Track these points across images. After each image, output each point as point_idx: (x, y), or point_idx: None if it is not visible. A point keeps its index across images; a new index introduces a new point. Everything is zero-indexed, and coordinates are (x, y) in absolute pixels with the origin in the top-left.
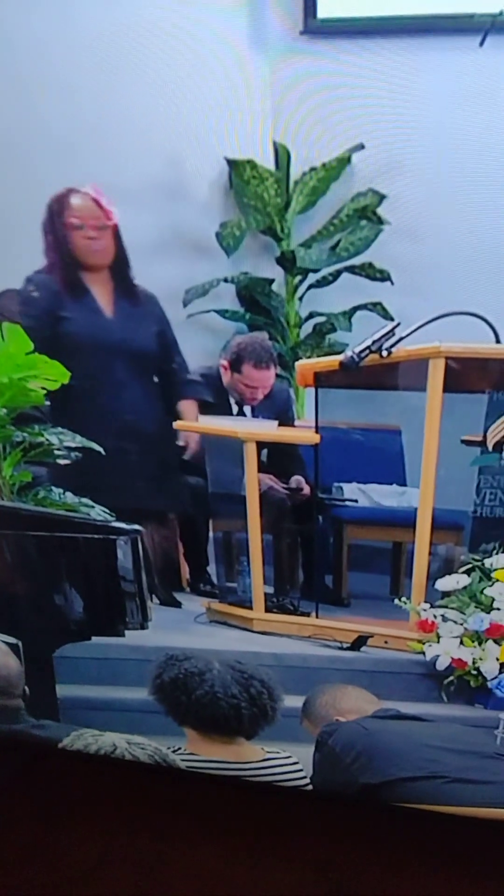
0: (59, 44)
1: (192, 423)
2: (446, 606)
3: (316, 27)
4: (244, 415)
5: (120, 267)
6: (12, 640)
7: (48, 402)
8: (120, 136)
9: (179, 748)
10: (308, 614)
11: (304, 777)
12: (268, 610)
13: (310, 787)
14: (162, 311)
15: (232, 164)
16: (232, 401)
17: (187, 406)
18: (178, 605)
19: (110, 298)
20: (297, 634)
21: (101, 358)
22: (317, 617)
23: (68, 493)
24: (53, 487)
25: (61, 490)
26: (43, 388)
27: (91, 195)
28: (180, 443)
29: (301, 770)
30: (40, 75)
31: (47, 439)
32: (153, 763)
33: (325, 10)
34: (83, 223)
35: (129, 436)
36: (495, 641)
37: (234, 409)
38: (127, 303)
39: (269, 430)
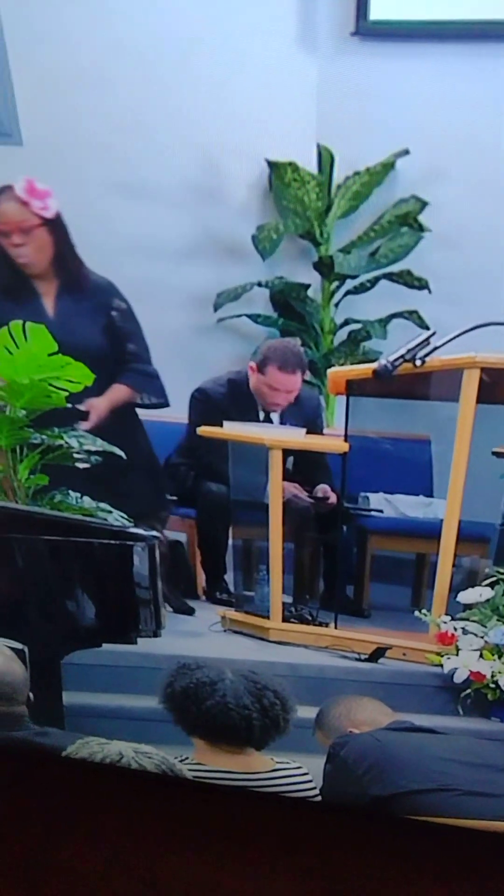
0: (96, 38)
1: (218, 430)
2: (467, 619)
3: (367, 29)
4: (271, 421)
5: (62, 262)
6: (18, 645)
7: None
8: (156, 134)
9: (186, 758)
10: (326, 625)
11: (314, 788)
12: (285, 619)
13: (319, 798)
14: (119, 299)
15: (273, 165)
16: (260, 407)
17: (117, 391)
18: (190, 611)
19: (53, 298)
20: (315, 645)
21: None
22: (335, 627)
23: (86, 498)
24: (70, 492)
25: (78, 494)
26: (64, 390)
27: (17, 195)
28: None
29: (311, 781)
30: (77, 70)
31: (66, 442)
32: (160, 772)
33: (377, 12)
34: (9, 230)
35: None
36: None
37: (262, 414)
38: (71, 299)
39: (296, 437)
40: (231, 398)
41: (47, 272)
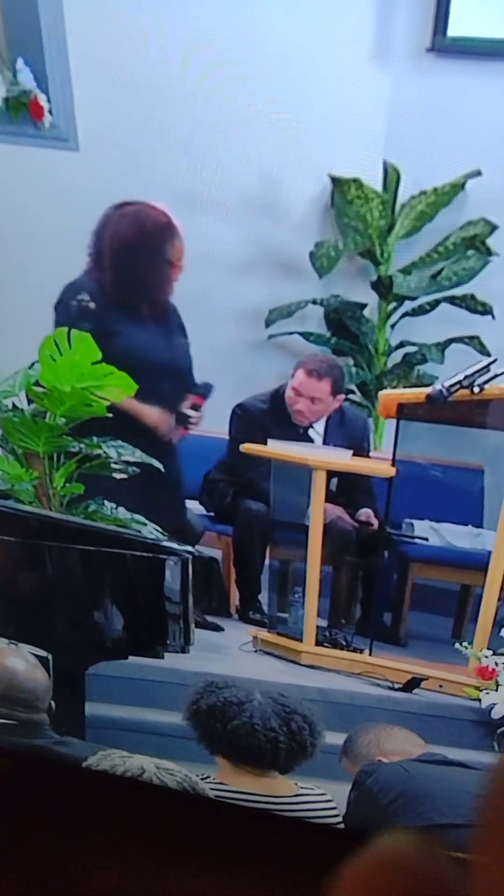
0: (161, 45)
1: (261, 447)
2: None
3: (444, 45)
4: (308, 438)
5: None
6: (42, 652)
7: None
8: (218, 146)
9: (208, 776)
10: (361, 651)
11: (337, 815)
12: (318, 643)
13: (342, 825)
14: (181, 320)
15: (336, 181)
16: (300, 426)
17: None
18: (219, 629)
19: (151, 312)
20: (347, 671)
21: (146, 377)
22: (370, 654)
23: (120, 509)
24: (105, 502)
25: (113, 505)
26: (106, 400)
27: (180, 231)
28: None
29: (334, 808)
30: (139, 77)
31: (105, 451)
32: (181, 790)
33: (456, 29)
34: (177, 265)
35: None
36: None
37: (300, 430)
38: (165, 319)
39: (341, 459)
40: (271, 414)
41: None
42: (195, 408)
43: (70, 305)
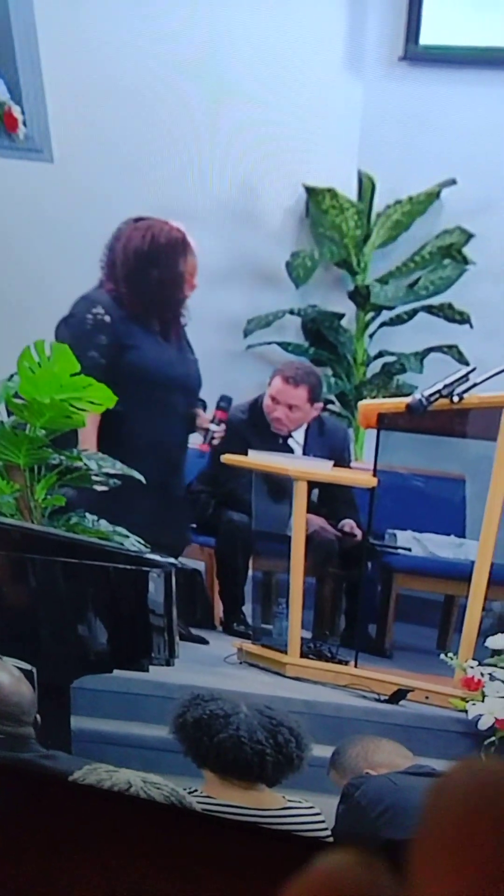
0: (134, 56)
1: (242, 458)
2: (495, 665)
3: (417, 54)
4: (287, 447)
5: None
6: (27, 666)
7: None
8: (193, 156)
9: (196, 790)
10: (346, 663)
11: (325, 828)
12: (303, 655)
13: (330, 838)
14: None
15: (311, 191)
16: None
17: None
18: (203, 642)
19: (166, 331)
20: (333, 683)
21: (161, 391)
22: (355, 666)
23: (102, 521)
24: (87, 514)
25: (95, 517)
26: (85, 411)
27: (194, 248)
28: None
29: (322, 821)
30: (113, 88)
31: (85, 464)
32: (168, 804)
33: (428, 37)
34: (190, 280)
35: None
36: None
37: (279, 440)
38: (176, 336)
39: (322, 469)
40: (251, 424)
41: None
42: (219, 422)
43: (85, 319)
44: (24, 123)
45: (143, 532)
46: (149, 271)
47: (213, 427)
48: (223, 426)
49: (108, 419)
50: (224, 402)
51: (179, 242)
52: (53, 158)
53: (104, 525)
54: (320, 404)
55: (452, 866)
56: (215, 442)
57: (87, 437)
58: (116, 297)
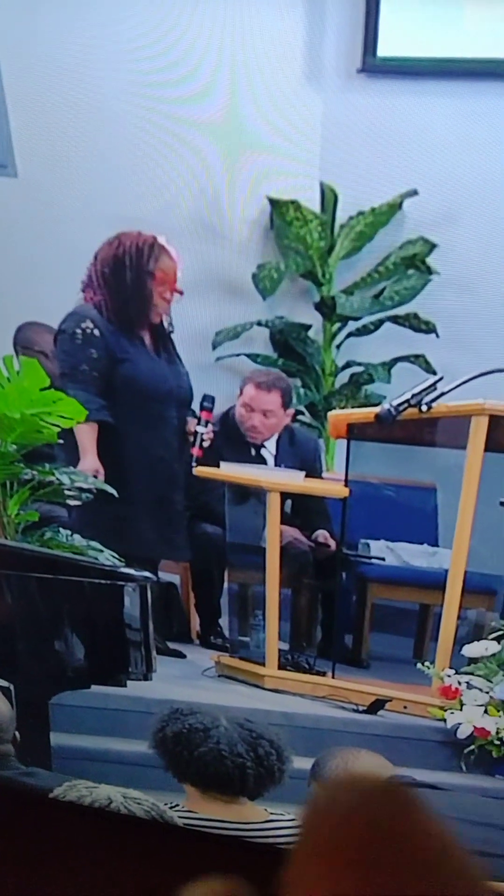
0: (97, 70)
1: (214, 470)
2: (472, 673)
3: (375, 66)
4: (261, 458)
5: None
6: (4, 683)
7: None
8: (156, 169)
9: (177, 804)
10: (324, 674)
11: None
12: (281, 667)
13: None
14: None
15: (274, 203)
16: (251, 445)
17: None
18: (181, 655)
19: (153, 343)
20: (311, 694)
21: (155, 404)
22: (333, 677)
23: (76, 536)
24: (61, 529)
25: (69, 532)
26: (56, 426)
27: (172, 255)
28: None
29: None
30: (75, 102)
31: (58, 478)
32: (149, 819)
33: (385, 49)
34: (166, 281)
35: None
36: None
37: (253, 451)
38: (165, 350)
39: (294, 480)
40: (224, 436)
41: (148, 327)
42: (206, 423)
43: (75, 334)
44: None
45: (149, 549)
46: (121, 275)
47: (200, 429)
48: (210, 426)
49: (106, 435)
50: (208, 402)
51: (147, 245)
52: (17, 173)
53: (78, 540)
54: (292, 410)
55: (326, 868)
56: (206, 444)
57: (88, 454)
58: (100, 307)
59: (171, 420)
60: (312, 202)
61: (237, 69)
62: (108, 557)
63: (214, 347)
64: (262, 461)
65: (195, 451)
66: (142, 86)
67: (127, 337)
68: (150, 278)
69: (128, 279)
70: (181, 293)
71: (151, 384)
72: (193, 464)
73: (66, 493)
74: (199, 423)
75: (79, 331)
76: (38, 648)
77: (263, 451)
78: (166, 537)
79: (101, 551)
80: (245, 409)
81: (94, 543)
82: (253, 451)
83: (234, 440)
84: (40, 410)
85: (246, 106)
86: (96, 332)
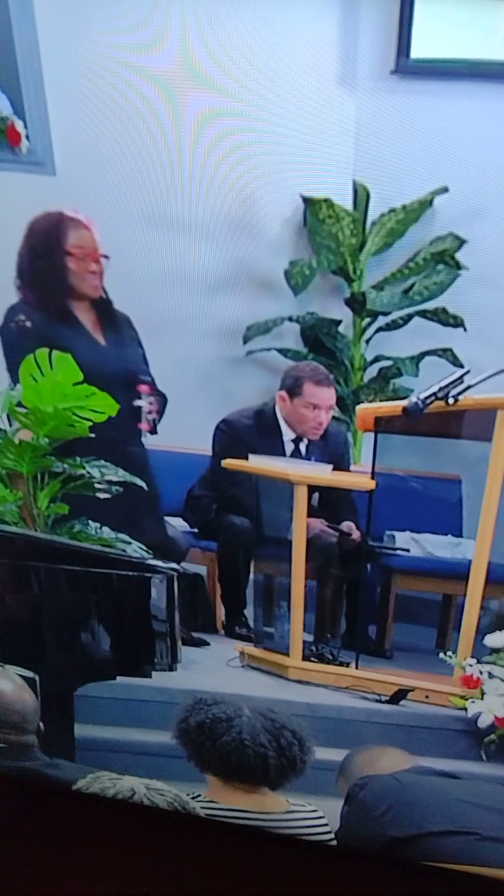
0: (135, 73)
1: (243, 463)
2: (494, 663)
3: (408, 67)
4: (300, 453)
5: (103, 293)
6: (29, 674)
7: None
8: (193, 167)
9: (199, 795)
10: (347, 664)
11: (329, 832)
12: (305, 658)
13: (334, 842)
14: (136, 332)
15: (308, 201)
16: (287, 439)
17: None
18: (204, 644)
19: (98, 326)
20: (335, 685)
21: (105, 389)
22: (356, 668)
23: (105, 528)
24: (90, 521)
25: (98, 524)
26: (88, 420)
27: (84, 223)
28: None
29: (326, 825)
30: (113, 101)
31: (88, 472)
32: (172, 810)
33: (418, 51)
34: (86, 255)
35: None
36: None
37: (291, 447)
38: (112, 330)
39: (322, 473)
40: (257, 430)
41: (87, 303)
42: (146, 396)
43: (10, 328)
44: (28, 137)
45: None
46: (36, 257)
47: (141, 403)
48: (152, 398)
49: None
50: (144, 375)
51: (54, 224)
52: (56, 171)
53: (107, 532)
54: None
55: None
56: (151, 417)
57: None
58: (28, 298)
59: (119, 402)
60: (345, 200)
61: (273, 73)
62: (135, 549)
63: (245, 342)
64: (300, 455)
65: (143, 426)
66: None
67: (63, 323)
68: (68, 257)
69: (46, 267)
70: (107, 257)
71: (93, 368)
72: (143, 439)
73: (96, 486)
74: (138, 398)
75: (13, 324)
76: (64, 640)
77: (301, 445)
78: (131, 520)
79: (129, 543)
80: (309, 409)
81: (122, 536)
82: (292, 446)
83: (269, 436)
84: (73, 405)
85: (281, 108)
86: (28, 323)
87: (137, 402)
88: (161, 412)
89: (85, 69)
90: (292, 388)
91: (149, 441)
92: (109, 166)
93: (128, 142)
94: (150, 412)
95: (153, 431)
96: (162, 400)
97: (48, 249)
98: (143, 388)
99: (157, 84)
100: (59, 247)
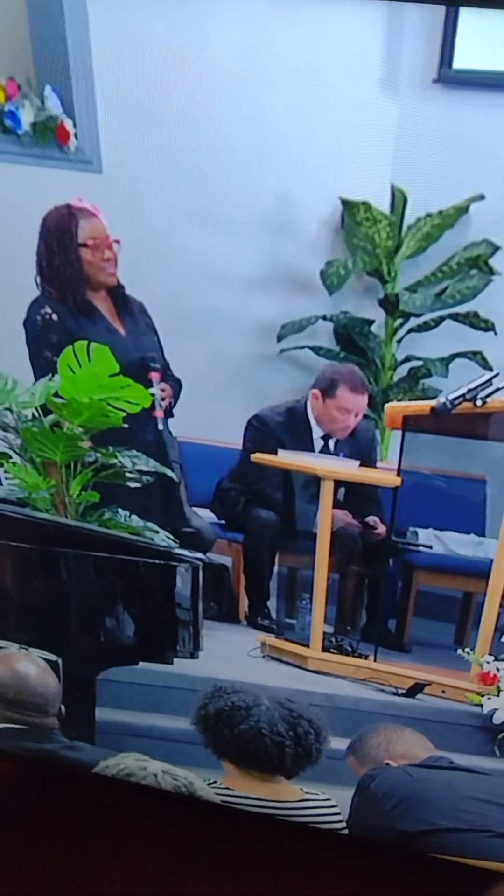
0: (180, 72)
1: (272, 457)
2: None
3: (450, 77)
4: (329, 450)
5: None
6: (53, 657)
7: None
8: (236, 167)
9: (215, 781)
10: (366, 657)
11: (341, 821)
12: (325, 649)
13: (346, 831)
14: (150, 319)
15: (346, 204)
16: (316, 436)
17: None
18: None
19: (115, 314)
20: (353, 676)
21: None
22: (375, 660)
23: (134, 517)
24: (119, 510)
25: (127, 513)
26: (122, 411)
27: (90, 210)
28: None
29: (339, 814)
30: (158, 103)
31: (120, 461)
32: (186, 795)
33: (461, 62)
34: (99, 244)
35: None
36: None
37: (320, 444)
38: (129, 318)
39: (349, 469)
40: (288, 427)
41: (103, 292)
42: (158, 382)
43: (36, 322)
44: (76, 136)
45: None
46: (54, 260)
47: (154, 391)
48: (163, 384)
49: None
50: (153, 363)
51: (65, 218)
52: (103, 169)
53: (135, 521)
54: None
55: None
56: (165, 403)
57: None
58: (50, 292)
59: None
60: (382, 203)
61: (316, 78)
62: (163, 538)
63: (279, 340)
64: (329, 451)
65: (157, 414)
66: (223, 90)
67: (84, 314)
68: (84, 249)
69: (62, 262)
70: (118, 242)
71: (116, 357)
72: (160, 427)
73: (127, 475)
74: (150, 387)
75: (38, 318)
76: (89, 625)
77: (330, 442)
78: (157, 510)
79: (157, 532)
80: (340, 412)
81: (150, 525)
82: (321, 443)
83: (297, 433)
84: (108, 395)
85: (323, 112)
86: (54, 316)
87: (150, 390)
88: (176, 396)
89: (134, 67)
90: (327, 389)
91: (181, 433)
92: (155, 165)
93: (174, 142)
94: (163, 399)
95: (169, 415)
96: (176, 385)
97: (62, 245)
98: (154, 376)
99: (203, 84)
100: (72, 241)
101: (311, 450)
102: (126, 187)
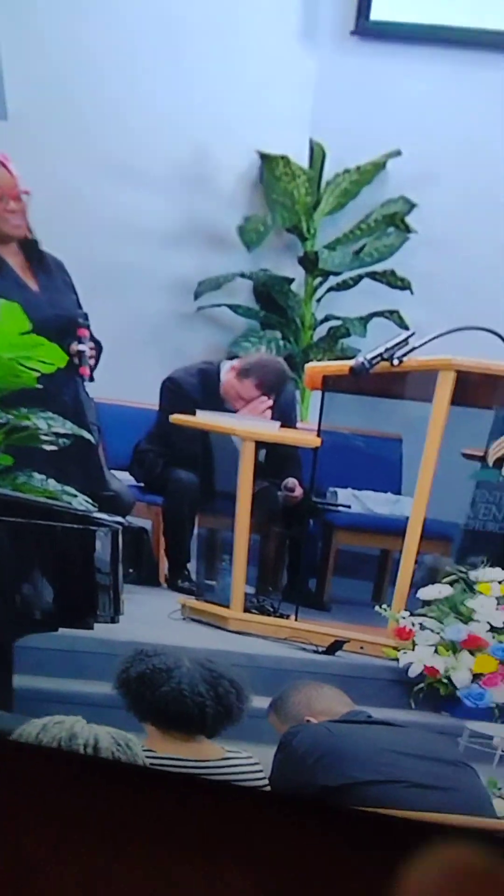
0: (92, 19)
1: (190, 418)
2: (425, 615)
3: (367, 29)
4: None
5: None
6: None
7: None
8: (148, 119)
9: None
10: (287, 616)
11: (264, 778)
12: (246, 610)
13: (268, 787)
14: (69, 277)
15: (265, 158)
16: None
17: None
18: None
19: (28, 270)
20: (274, 636)
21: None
22: (296, 619)
23: (51, 481)
24: (35, 473)
25: (43, 477)
26: (35, 370)
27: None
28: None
29: (261, 771)
30: (70, 49)
31: (34, 423)
32: (114, 750)
33: (378, 13)
34: (3, 194)
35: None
36: (470, 652)
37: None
38: (43, 274)
39: (270, 430)
40: (202, 389)
41: (14, 246)
42: (86, 339)
43: None
44: None
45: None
46: None
47: (82, 348)
48: (92, 342)
49: None
50: (82, 319)
51: None
52: (7, 115)
53: (52, 484)
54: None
55: None
56: (92, 361)
57: None
58: None
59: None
60: (301, 158)
61: (232, 29)
62: (81, 502)
63: (196, 297)
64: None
65: (83, 371)
66: (134, 38)
67: None
68: None
69: None
70: (27, 192)
71: (27, 314)
72: (85, 383)
73: (43, 437)
74: (79, 343)
75: None
76: (5, 591)
77: None
78: (75, 473)
79: (75, 496)
80: (235, 395)
81: (68, 488)
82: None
83: (211, 395)
84: (19, 355)
85: (240, 64)
86: None
87: (79, 347)
88: (97, 359)
89: (41, 14)
90: (242, 372)
91: (98, 394)
92: (64, 112)
93: (83, 88)
94: (91, 357)
95: (90, 378)
96: (98, 346)
97: None
98: (84, 332)
99: (114, 33)
100: None
101: (225, 410)
102: (33, 134)
